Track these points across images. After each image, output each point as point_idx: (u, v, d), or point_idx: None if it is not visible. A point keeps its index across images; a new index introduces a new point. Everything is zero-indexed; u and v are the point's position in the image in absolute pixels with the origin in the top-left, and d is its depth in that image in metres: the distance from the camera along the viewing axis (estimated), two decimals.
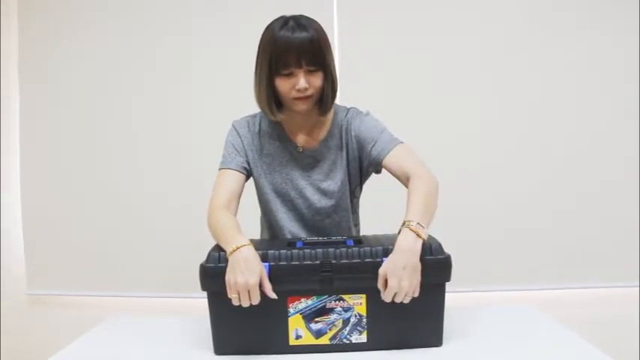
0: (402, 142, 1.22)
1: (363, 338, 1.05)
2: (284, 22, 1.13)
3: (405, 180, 1.17)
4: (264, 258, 1.03)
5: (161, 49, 2.19)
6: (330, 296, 1.04)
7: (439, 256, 1.14)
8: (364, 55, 2.12)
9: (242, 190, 1.25)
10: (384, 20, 2.12)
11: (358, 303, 1.04)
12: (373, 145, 1.22)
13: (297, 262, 1.03)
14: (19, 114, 2.27)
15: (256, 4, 2.12)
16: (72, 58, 2.23)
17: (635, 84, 2.07)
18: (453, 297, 1.15)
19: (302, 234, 1.29)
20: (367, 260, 1.03)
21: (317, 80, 1.15)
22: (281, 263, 1.03)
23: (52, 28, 2.23)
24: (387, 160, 1.20)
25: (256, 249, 1.04)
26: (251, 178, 1.31)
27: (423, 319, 1.05)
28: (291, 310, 1.04)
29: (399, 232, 1.03)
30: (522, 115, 2.10)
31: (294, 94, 1.15)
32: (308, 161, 1.27)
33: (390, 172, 1.21)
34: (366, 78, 2.12)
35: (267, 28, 1.16)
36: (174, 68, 2.18)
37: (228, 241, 1.05)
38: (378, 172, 1.30)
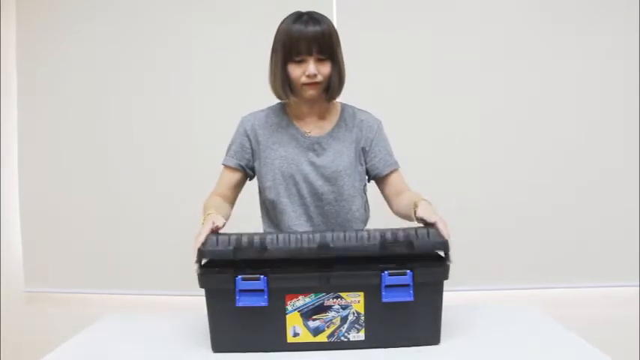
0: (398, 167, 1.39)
1: (360, 336, 1.05)
2: (299, 15, 1.25)
3: (394, 195, 1.34)
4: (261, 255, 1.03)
5: (161, 49, 2.19)
6: (328, 294, 1.03)
7: (437, 255, 1.15)
8: (363, 56, 2.12)
9: (240, 181, 1.37)
10: (383, 20, 2.12)
11: (356, 301, 1.04)
12: (381, 158, 1.36)
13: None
14: (18, 112, 2.27)
15: (257, 5, 2.12)
16: (71, 58, 2.23)
17: (635, 82, 2.07)
18: (451, 296, 1.15)
19: (303, 219, 1.33)
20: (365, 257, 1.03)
21: (326, 69, 1.25)
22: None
23: (51, 27, 2.24)
24: (389, 177, 1.36)
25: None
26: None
27: (420, 317, 1.05)
28: (289, 308, 1.04)
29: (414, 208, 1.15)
30: (522, 114, 2.10)
31: (304, 79, 1.24)
32: (314, 147, 1.33)
33: (383, 186, 1.37)
34: (365, 78, 2.11)
35: (283, 21, 1.27)
36: (174, 68, 2.18)
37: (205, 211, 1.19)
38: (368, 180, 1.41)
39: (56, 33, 2.24)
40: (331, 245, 1.03)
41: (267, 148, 1.33)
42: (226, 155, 1.38)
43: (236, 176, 1.35)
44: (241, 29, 2.14)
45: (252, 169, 1.37)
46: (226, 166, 1.36)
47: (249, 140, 1.35)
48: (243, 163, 1.35)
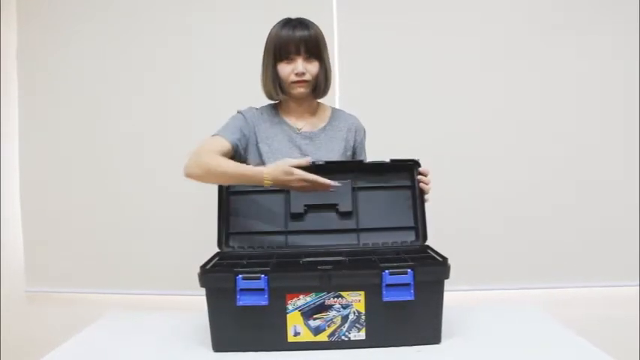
0: None
1: (361, 335, 1.05)
2: (288, 21, 1.37)
3: None
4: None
5: (161, 49, 2.19)
6: (328, 293, 1.03)
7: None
8: (364, 55, 2.12)
9: (227, 156, 1.34)
10: (383, 20, 2.12)
11: (357, 300, 1.04)
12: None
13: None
14: (19, 111, 2.26)
15: (257, 5, 2.12)
16: (71, 58, 2.22)
17: (635, 82, 2.07)
18: (452, 296, 1.15)
19: None
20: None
21: (313, 68, 1.36)
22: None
23: (52, 27, 2.23)
24: None
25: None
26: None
27: (421, 316, 1.05)
28: (290, 307, 1.04)
29: None
30: (521, 114, 2.10)
31: (292, 77, 1.34)
32: (305, 141, 1.42)
33: None
34: (365, 78, 2.12)
35: (274, 26, 1.38)
36: (174, 68, 2.18)
37: (254, 176, 1.23)
38: None
39: (57, 33, 2.23)
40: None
41: (260, 142, 1.40)
42: (222, 130, 1.37)
43: (227, 150, 1.34)
44: (242, 29, 2.14)
45: (239, 154, 1.38)
46: (222, 137, 1.35)
47: (249, 129, 1.40)
48: (238, 143, 1.36)
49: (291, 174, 1.20)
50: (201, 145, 1.34)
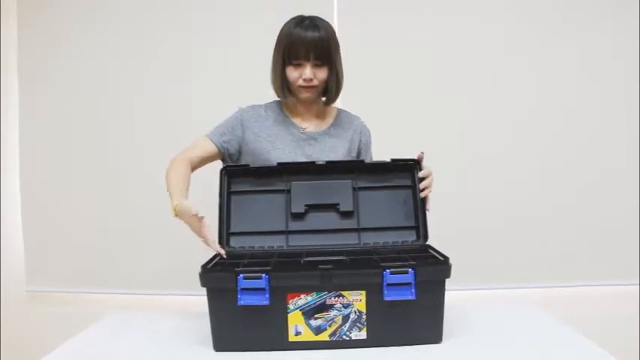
0: None
1: (362, 335, 1.04)
2: (300, 20, 1.32)
3: None
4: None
5: (163, 48, 2.19)
6: (329, 292, 1.03)
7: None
8: (364, 54, 2.12)
9: (207, 162, 1.41)
10: (384, 19, 2.12)
11: (358, 299, 1.04)
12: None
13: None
14: (19, 110, 2.26)
15: (258, 3, 2.12)
16: (72, 57, 2.22)
17: (635, 82, 2.07)
18: (453, 295, 1.15)
19: None
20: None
21: (322, 74, 1.32)
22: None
23: (53, 26, 2.23)
24: None
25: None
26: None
27: (422, 315, 1.05)
28: (291, 307, 1.03)
29: None
30: (521, 114, 2.10)
31: (300, 82, 1.33)
32: (309, 142, 1.41)
33: None
34: (366, 77, 2.12)
35: (286, 23, 1.33)
36: (176, 67, 2.18)
37: (171, 198, 1.25)
38: None
39: (57, 33, 2.23)
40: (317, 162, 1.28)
41: (262, 140, 1.39)
42: (215, 130, 1.42)
43: (213, 152, 1.40)
44: (243, 29, 2.14)
45: (230, 156, 1.42)
46: (210, 139, 1.40)
47: (243, 130, 1.40)
48: (227, 145, 1.40)
49: (190, 224, 1.20)
50: (188, 145, 1.39)
